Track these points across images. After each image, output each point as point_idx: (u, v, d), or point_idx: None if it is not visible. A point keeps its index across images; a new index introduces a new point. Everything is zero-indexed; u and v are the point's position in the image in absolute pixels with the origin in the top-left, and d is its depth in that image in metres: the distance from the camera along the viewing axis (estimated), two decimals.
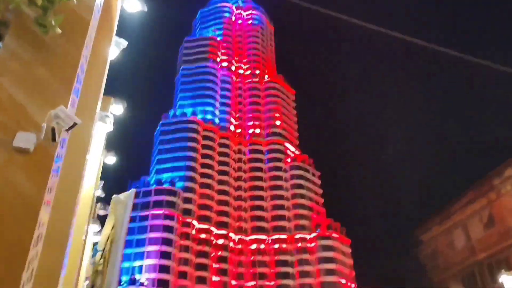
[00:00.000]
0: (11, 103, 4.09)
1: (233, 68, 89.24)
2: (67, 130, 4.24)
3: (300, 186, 72.67)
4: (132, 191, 13.76)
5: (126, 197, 12.74)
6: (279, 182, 73.18)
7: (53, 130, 4.02)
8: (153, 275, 55.06)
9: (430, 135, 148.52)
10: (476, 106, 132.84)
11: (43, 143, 3.95)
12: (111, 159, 16.60)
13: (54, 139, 4.07)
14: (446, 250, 71.72)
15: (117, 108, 11.61)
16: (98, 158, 13.93)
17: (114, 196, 12.47)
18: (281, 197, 71.76)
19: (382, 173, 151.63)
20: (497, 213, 62.82)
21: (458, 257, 67.65)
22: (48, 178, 3.81)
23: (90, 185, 13.42)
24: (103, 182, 14.27)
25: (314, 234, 66.77)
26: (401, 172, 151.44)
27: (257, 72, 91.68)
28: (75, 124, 4.36)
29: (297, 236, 67.12)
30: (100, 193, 15.12)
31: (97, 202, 17.89)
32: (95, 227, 18.05)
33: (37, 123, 3.96)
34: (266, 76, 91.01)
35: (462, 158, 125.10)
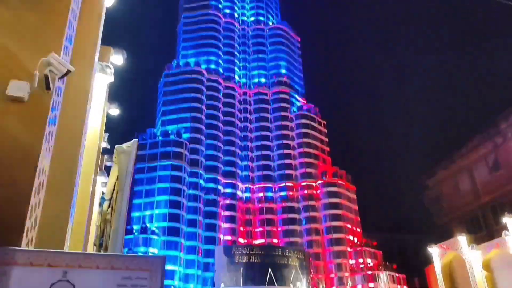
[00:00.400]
0: (1, 51, 3.98)
1: (236, 15, 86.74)
2: (61, 77, 4.15)
3: (306, 135, 72.83)
4: (135, 140, 13.81)
5: (129, 147, 12.82)
6: (285, 131, 73.30)
7: (46, 77, 3.93)
8: (163, 224, 56.76)
9: (440, 82, 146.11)
10: (485, 52, 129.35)
11: (38, 92, 3.87)
12: (115, 111, 16.59)
13: (48, 87, 3.99)
14: (451, 194, 72.85)
15: (117, 58, 11.45)
16: (100, 109, 13.89)
17: (117, 146, 12.54)
18: (287, 146, 72.15)
19: (389, 120, 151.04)
20: (503, 157, 63.08)
21: (463, 200, 68.83)
22: (44, 126, 3.77)
23: (95, 136, 13.46)
24: (107, 134, 14.33)
25: (320, 182, 67.73)
26: (409, 119, 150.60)
27: (261, 18, 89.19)
28: (68, 71, 4.24)
29: (303, 183, 68.15)
30: (105, 145, 15.19)
31: (103, 154, 18.07)
32: (103, 178, 18.37)
33: (29, 71, 3.87)
34: (270, 22, 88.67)
35: (471, 103, 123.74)
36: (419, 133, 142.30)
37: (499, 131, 63.84)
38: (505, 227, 40.14)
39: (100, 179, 18.22)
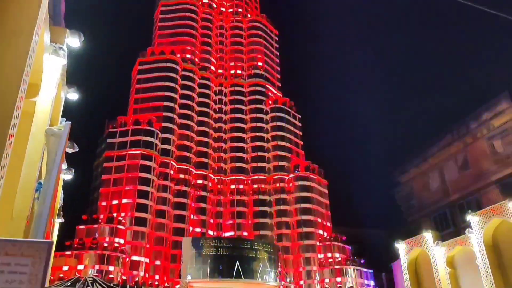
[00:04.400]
0: None
1: (214, 5, 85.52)
2: None
3: (280, 128, 72.48)
4: (68, 123, 12.89)
5: (60, 129, 11.91)
6: (259, 124, 72.76)
7: None
8: (130, 214, 55.50)
9: (409, 80, 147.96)
10: (456, 49, 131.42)
11: None
12: (74, 96, 15.61)
13: None
14: (421, 191, 73.89)
15: (74, 41, 11.10)
16: (52, 92, 12.93)
17: (47, 128, 11.62)
18: (261, 138, 71.65)
19: (364, 117, 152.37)
20: (472, 156, 64.17)
21: (432, 198, 69.87)
22: None
23: (43, 120, 12.48)
24: (64, 119, 13.44)
25: (292, 175, 67.52)
26: (384, 116, 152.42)
27: (240, 10, 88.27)
28: None
29: (276, 176, 67.83)
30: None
31: None
32: (62, 165, 17.31)
33: None
34: (249, 15, 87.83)
35: (442, 101, 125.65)
36: (393, 130, 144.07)
37: (469, 131, 64.87)
38: (469, 225, 40.73)
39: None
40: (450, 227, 61.37)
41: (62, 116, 13.61)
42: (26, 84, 9.25)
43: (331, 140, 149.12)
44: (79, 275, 40.05)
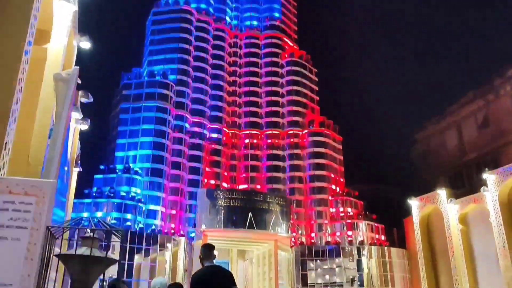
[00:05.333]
0: None
1: None
2: None
3: (296, 83, 71.33)
4: (76, 68, 12.65)
5: (68, 74, 11.71)
6: (275, 78, 71.65)
7: None
8: (147, 165, 56.46)
9: (436, 38, 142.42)
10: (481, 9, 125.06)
11: None
12: (86, 44, 15.33)
13: None
14: (438, 149, 73.12)
15: None
16: (63, 38, 12.64)
17: (55, 73, 11.42)
18: (276, 93, 70.82)
19: (382, 73, 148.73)
20: (493, 114, 62.69)
21: (449, 156, 69.18)
22: None
23: (56, 67, 12.27)
24: (77, 68, 13.28)
25: (306, 131, 67.20)
26: (404, 74, 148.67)
27: None
28: None
29: (290, 132, 67.62)
30: (78, 80, 14.25)
31: (78, 89, 16.99)
32: (77, 114, 17.39)
33: None
34: None
35: (468, 60, 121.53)
36: (413, 88, 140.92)
37: (493, 88, 62.96)
38: (485, 183, 40.43)
39: (74, 115, 17.33)
40: (464, 185, 61.00)
41: (78, 67, 13.40)
42: (34, 28, 9.01)
43: (347, 96, 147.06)
44: None
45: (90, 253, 2.71)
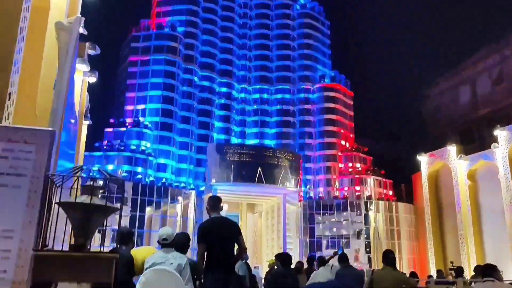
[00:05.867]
0: None
1: None
2: None
3: (307, 36, 69.62)
4: (78, 17, 12.34)
5: (70, 23, 11.43)
6: (286, 31, 69.92)
7: None
8: (156, 119, 56.66)
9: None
10: None
11: None
12: None
13: None
14: (449, 105, 72.03)
15: None
16: None
17: (56, 22, 11.15)
18: (287, 46, 69.33)
19: (395, 27, 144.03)
20: (508, 69, 61.05)
21: (460, 112, 68.24)
22: None
23: (59, 17, 11.98)
24: (83, 18, 12.97)
25: (317, 85, 66.35)
26: (417, 28, 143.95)
27: None
28: None
29: (301, 86, 66.83)
30: (82, 30, 13.94)
31: (85, 40, 16.72)
32: (84, 67, 17.21)
33: None
34: None
35: (484, 14, 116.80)
36: (426, 43, 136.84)
37: (509, 42, 60.94)
38: (495, 140, 40.09)
39: (82, 67, 17.14)
40: (475, 141, 60.50)
41: (81, 16, 13.07)
42: None
43: (359, 51, 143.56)
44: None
45: (90, 201, 2.70)
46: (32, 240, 2.65)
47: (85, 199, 2.73)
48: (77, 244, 2.64)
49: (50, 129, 3.17)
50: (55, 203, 2.77)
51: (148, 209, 46.12)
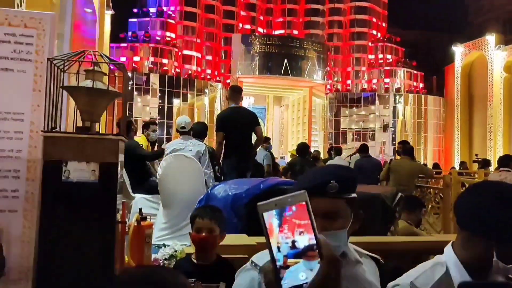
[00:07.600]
0: None
1: None
2: None
3: None
4: None
5: None
6: None
7: None
8: (179, 8, 54.77)
9: None
10: None
11: None
12: None
13: None
14: None
15: None
16: None
17: None
18: None
19: None
20: None
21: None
22: None
23: None
24: None
25: None
26: None
27: None
28: None
29: None
30: None
31: None
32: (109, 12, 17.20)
33: None
34: None
35: None
36: None
37: None
38: None
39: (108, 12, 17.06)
40: None
41: None
42: None
43: None
44: (136, 66, 42.60)
45: (93, 85, 2.72)
46: (41, 123, 2.78)
47: (88, 83, 2.75)
48: (83, 126, 2.76)
49: (49, 12, 3.09)
50: (59, 87, 2.82)
51: (176, 101, 46.90)
